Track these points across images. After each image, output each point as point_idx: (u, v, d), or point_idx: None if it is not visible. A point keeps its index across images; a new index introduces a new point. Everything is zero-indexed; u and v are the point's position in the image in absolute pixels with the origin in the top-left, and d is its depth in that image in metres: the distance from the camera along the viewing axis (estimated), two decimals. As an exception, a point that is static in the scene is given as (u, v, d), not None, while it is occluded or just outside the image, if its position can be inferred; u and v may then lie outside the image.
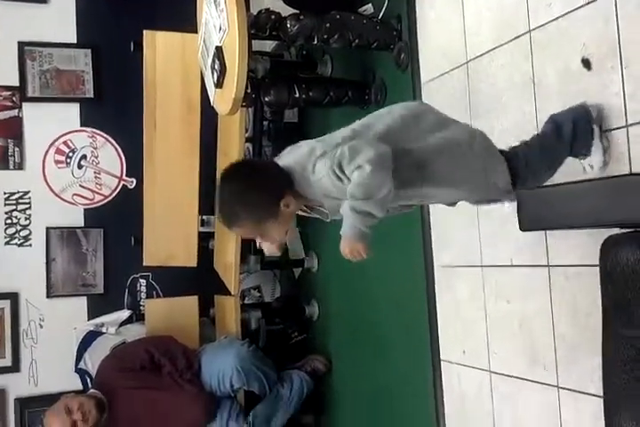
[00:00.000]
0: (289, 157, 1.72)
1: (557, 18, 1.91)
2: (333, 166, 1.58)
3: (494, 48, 2.20)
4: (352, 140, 1.64)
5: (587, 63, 1.83)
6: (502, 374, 2.34)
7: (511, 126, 2.15)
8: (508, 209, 2.08)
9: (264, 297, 4.39)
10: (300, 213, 1.81)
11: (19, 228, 4.09)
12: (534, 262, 2.13)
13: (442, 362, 2.68)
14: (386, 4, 2.73)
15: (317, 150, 1.65)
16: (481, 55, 2.28)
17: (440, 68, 2.51)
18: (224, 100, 2.81)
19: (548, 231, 2.04)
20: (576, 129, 1.81)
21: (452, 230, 2.56)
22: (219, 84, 2.80)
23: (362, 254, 1.64)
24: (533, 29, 2.02)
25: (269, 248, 1.84)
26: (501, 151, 1.77)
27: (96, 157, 4.23)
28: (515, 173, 1.73)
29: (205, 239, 4.06)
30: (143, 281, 4.25)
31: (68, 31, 4.16)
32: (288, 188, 1.67)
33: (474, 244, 2.40)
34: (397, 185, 1.60)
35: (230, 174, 1.71)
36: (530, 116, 2.07)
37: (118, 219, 4.17)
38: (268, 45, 3.97)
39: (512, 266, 2.24)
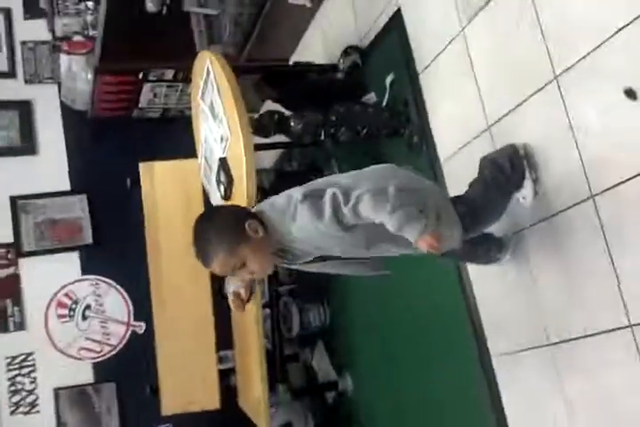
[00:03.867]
0: (264, 205, 1.83)
1: (587, 55, 1.80)
2: (322, 214, 1.66)
3: (518, 105, 2.09)
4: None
5: (630, 93, 1.70)
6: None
7: (559, 182, 1.99)
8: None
9: (297, 435, 4.00)
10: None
11: (24, 394, 3.85)
12: (613, 326, 1.88)
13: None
14: (388, 90, 2.68)
15: (296, 195, 1.73)
16: (504, 116, 2.16)
17: (459, 142, 2.39)
18: (234, 211, 2.66)
19: (621, 285, 1.82)
20: (513, 166, 2.04)
21: (504, 310, 2.32)
22: (226, 196, 2.67)
23: (437, 244, 1.62)
24: (560, 74, 1.91)
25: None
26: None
27: (101, 306, 4.04)
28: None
29: (225, 377, 3.79)
30: (165, 433, 3.90)
31: (60, 179, 4.14)
32: (253, 217, 1.75)
33: (534, 320, 2.15)
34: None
35: (198, 219, 1.80)
36: (576, 166, 1.91)
37: (130, 369, 3.94)
38: (267, 163, 3.93)
39: (587, 336, 1.97)
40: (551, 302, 2.11)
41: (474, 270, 2.45)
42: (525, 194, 2.10)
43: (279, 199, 1.79)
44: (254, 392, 3.40)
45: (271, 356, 3.52)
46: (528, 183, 2.08)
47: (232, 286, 1.86)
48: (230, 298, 1.85)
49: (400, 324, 3.05)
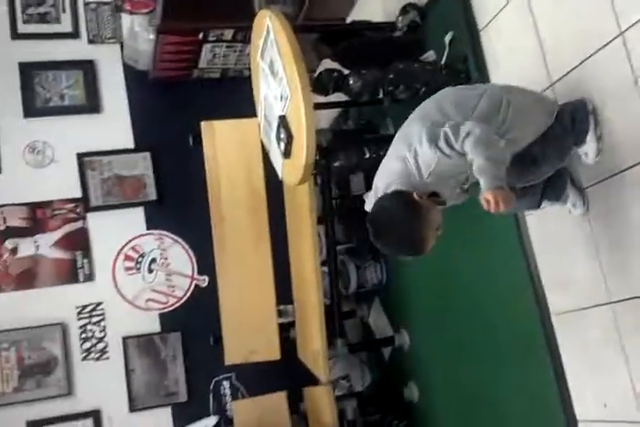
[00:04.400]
0: (385, 184, 1.94)
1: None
2: (441, 150, 1.80)
3: (583, 61, 2.07)
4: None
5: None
6: (659, 425, 2.03)
7: (624, 139, 1.97)
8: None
9: (354, 387, 4.10)
10: None
11: (94, 341, 3.99)
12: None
13: (579, 424, 2.35)
14: (447, 48, 2.66)
15: (407, 155, 1.88)
16: (567, 73, 2.14)
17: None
18: (294, 169, 2.70)
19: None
20: (574, 119, 2.03)
21: (564, 269, 2.32)
22: (286, 154, 2.71)
23: (504, 203, 1.70)
24: (626, 30, 1.88)
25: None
26: None
27: (165, 259, 4.15)
28: None
29: (285, 330, 3.90)
30: (226, 383, 4.06)
31: (125, 137, 4.21)
32: (408, 193, 1.86)
33: (596, 278, 2.16)
34: None
35: (378, 231, 1.89)
36: (640, 121, 1.89)
37: (195, 320, 4.03)
38: (324, 123, 3.94)
39: (650, 294, 1.98)
40: (613, 260, 2.11)
41: (534, 226, 2.44)
42: (588, 150, 2.09)
43: (394, 166, 1.92)
44: (313, 345, 3.50)
45: (329, 312, 3.58)
46: (591, 139, 2.06)
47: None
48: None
49: (458, 282, 3.07)
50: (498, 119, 1.87)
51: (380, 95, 2.59)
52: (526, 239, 2.48)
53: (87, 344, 3.97)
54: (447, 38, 2.67)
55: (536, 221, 2.43)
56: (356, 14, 3.71)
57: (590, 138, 2.06)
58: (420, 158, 1.84)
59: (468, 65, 2.58)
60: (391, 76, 2.55)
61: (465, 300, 3.02)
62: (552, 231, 2.31)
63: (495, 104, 1.90)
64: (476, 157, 1.75)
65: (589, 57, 2.04)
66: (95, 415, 3.84)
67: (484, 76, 2.53)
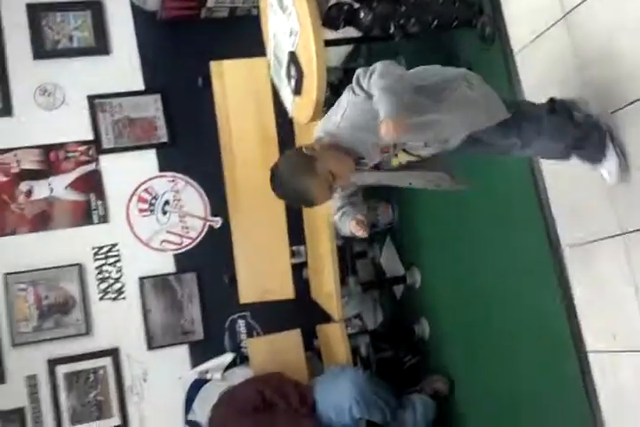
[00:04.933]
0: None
1: None
2: (353, 89, 1.83)
3: (596, -10, 2.03)
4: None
5: None
6: (666, 353, 2.06)
7: (632, 69, 1.94)
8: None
9: (366, 325, 4.17)
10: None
11: (111, 281, 4.04)
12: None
13: (588, 354, 2.40)
14: (461, -21, 2.60)
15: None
16: (579, 4, 2.09)
17: (532, 33, 2.33)
18: (304, 106, 2.70)
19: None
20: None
21: (576, 201, 2.32)
22: (297, 91, 2.70)
23: (401, 127, 1.69)
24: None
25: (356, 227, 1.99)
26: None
27: (179, 201, 4.18)
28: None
29: (298, 270, 3.94)
30: (242, 322, 4.12)
31: (134, 79, 4.18)
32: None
33: (607, 210, 2.16)
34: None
35: (271, 185, 1.92)
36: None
37: (209, 260, 4.08)
38: (336, 61, 3.90)
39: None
40: (626, 192, 2.10)
41: (546, 161, 2.43)
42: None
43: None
44: (327, 284, 3.55)
45: (341, 252, 3.62)
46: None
47: (349, 218, 2.01)
48: (354, 225, 1.99)
49: (469, 219, 3.08)
50: (439, 96, 1.89)
51: (392, 29, 2.54)
52: (538, 173, 2.47)
53: (104, 285, 4.02)
54: (460, -31, 2.61)
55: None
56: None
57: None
58: (339, 103, 1.91)
59: (480, -3, 2.54)
60: (403, 8, 2.50)
61: (476, 235, 3.04)
62: (564, 164, 2.29)
63: (445, 84, 1.92)
64: (374, 91, 1.75)
65: (604, -15, 2.00)
66: (114, 353, 3.92)
67: (495, 9, 2.48)
